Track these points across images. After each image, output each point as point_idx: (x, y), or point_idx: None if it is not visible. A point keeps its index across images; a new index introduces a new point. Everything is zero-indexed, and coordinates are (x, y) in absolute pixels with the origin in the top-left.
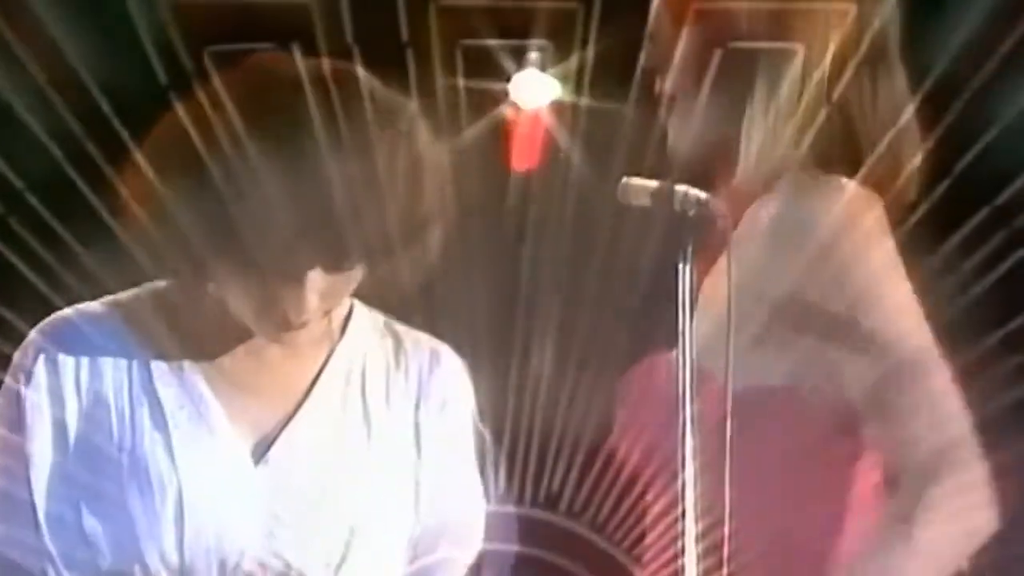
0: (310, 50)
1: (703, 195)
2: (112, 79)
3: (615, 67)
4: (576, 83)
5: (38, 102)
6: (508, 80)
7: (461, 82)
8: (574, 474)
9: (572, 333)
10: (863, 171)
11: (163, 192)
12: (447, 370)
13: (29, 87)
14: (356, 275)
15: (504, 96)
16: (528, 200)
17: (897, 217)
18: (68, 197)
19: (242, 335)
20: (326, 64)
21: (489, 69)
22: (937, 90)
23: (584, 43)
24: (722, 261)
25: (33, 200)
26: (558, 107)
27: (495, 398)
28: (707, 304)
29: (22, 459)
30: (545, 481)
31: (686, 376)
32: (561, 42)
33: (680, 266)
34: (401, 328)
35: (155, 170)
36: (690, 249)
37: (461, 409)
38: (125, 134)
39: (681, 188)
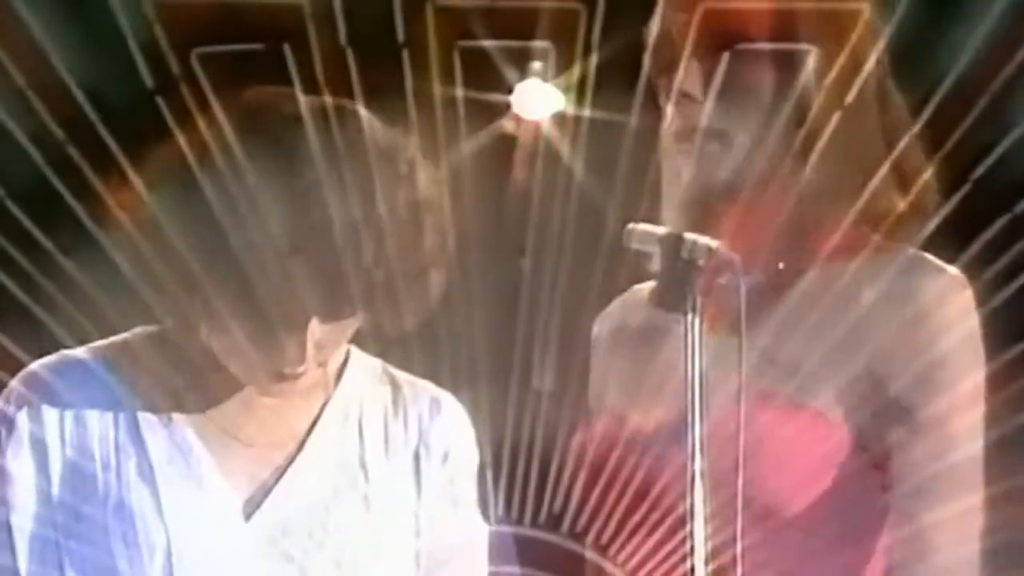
0: (302, 52)
1: (713, 243)
2: (95, 82)
3: (621, 74)
4: (580, 93)
5: (18, 106)
6: (510, 91)
7: (460, 92)
8: (576, 494)
9: (575, 349)
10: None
11: (156, 235)
12: (448, 419)
13: (8, 90)
14: (354, 322)
15: (506, 108)
16: (529, 216)
17: (912, 230)
18: (50, 205)
19: (233, 385)
20: (326, 102)
21: (489, 74)
22: (953, 97)
23: (588, 46)
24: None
25: (14, 208)
26: (561, 119)
27: (495, 415)
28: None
29: (2, 514)
30: (547, 501)
31: (695, 432)
32: (563, 44)
33: (688, 317)
34: (400, 375)
35: (149, 210)
36: (699, 300)
37: (463, 459)
38: (110, 139)
39: (690, 236)
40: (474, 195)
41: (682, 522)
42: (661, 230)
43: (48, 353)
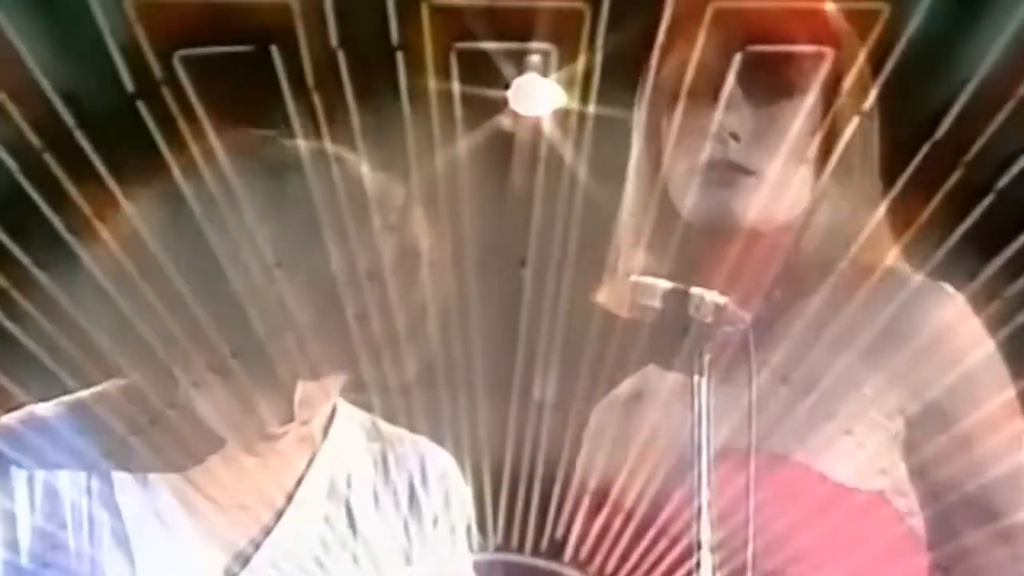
0: (291, 54)
1: (721, 299)
2: (72, 86)
3: (626, 70)
4: (583, 89)
5: None
6: (507, 87)
7: (456, 87)
8: (579, 521)
9: (578, 366)
10: None
11: (139, 289)
12: (440, 477)
13: None
14: (342, 377)
15: (503, 104)
16: (529, 221)
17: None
18: (26, 214)
19: (213, 442)
20: (311, 147)
21: (487, 75)
22: (976, 103)
23: (591, 48)
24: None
25: None
26: (562, 116)
27: (494, 436)
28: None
29: None
30: (548, 528)
31: (702, 503)
32: (566, 46)
33: (696, 379)
34: (390, 429)
35: (130, 228)
36: (707, 360)
37: (456, 518)
38: (88, 146)
39: (697, 291)
40: (470, 199)
41: (688, 552)
42: (666, 284)
43: (18, 374)
